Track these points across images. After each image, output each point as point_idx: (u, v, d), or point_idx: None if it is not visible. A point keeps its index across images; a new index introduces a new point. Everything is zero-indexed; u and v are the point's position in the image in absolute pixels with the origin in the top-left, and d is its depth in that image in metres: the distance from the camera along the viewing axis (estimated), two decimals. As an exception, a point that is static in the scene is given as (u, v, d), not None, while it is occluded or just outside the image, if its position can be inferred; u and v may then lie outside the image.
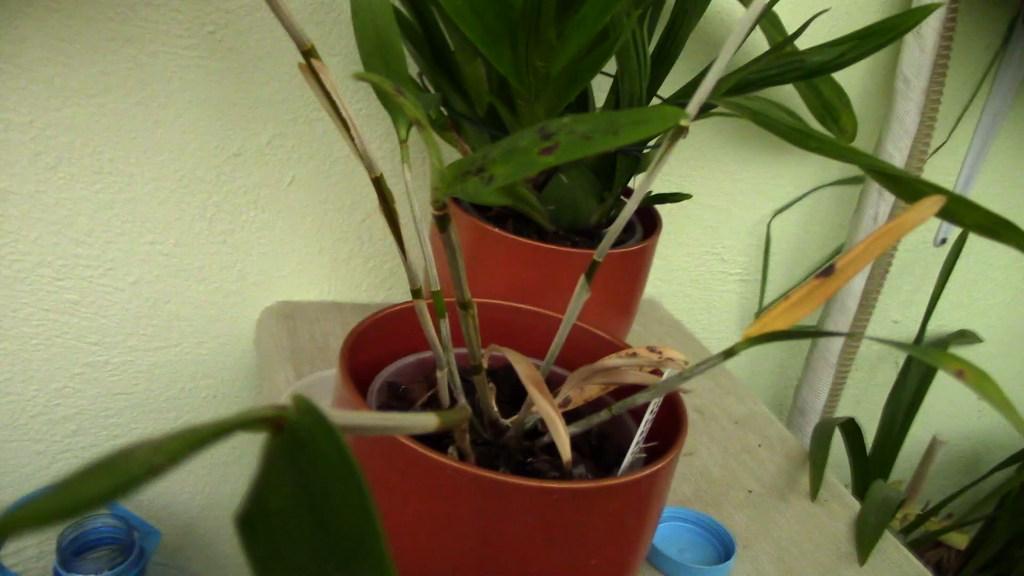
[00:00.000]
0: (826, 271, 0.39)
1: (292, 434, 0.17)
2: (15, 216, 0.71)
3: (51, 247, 0.73)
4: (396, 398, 0.49)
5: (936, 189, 0.48)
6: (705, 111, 0.66)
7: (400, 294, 0.88)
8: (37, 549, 0.84)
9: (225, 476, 0.90)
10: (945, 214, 0.48)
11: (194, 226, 0.77)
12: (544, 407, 0.34)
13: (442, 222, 0.27)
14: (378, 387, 0.48)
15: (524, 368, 0.38)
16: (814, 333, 0.38)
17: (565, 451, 0.34)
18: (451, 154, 0.79)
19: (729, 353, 0.40)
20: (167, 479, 0.88)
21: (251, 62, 0.73)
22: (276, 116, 0.76)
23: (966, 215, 0.47)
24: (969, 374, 0.34)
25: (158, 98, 0.71)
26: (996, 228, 0.46)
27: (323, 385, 0.71)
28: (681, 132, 0.33)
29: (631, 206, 0.37)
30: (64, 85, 0.68)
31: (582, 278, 0.39)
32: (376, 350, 0.50)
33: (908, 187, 0.50)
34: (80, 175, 0.72)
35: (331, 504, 0.15)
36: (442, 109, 0.66)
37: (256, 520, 0.16)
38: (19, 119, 0.68)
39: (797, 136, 0.54)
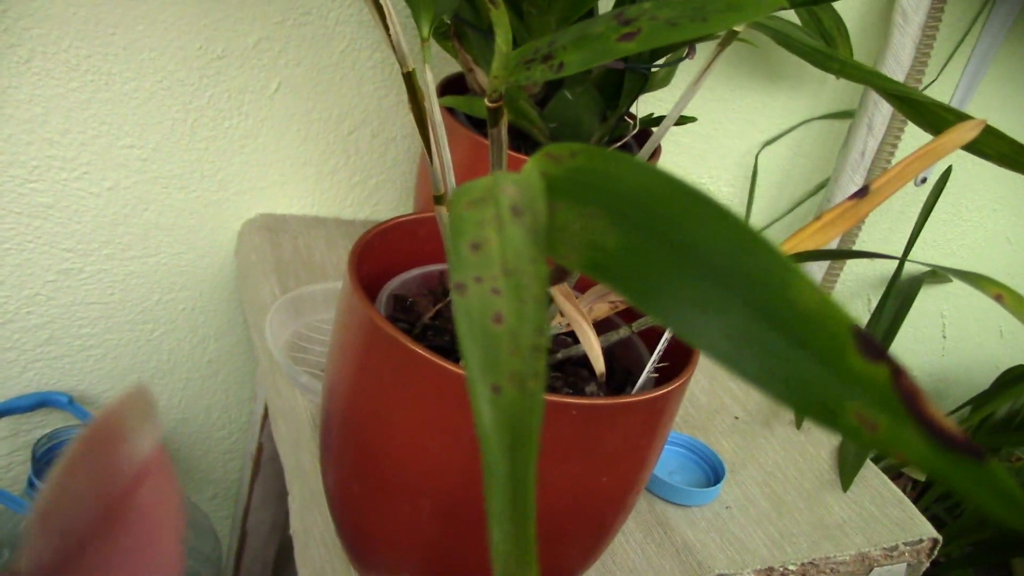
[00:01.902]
0: (860, 192, 0.38)
1: None
2: (-14, 112, 0.68)
3: (24, 146, 0.70)
4: (402, 311, 0.47)
5: (960, 116, 0.47)
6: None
7: (386, 211, 0.86)
8: (9, 459, 0.83)
9: (201, 390, 0.89)
10: (969, 143, 0.47)
11: (175, 131, 0.74)
12: (575, 317, 0.33)
13: (495, 115, 0.26)
14: (384, 299, 0.47)
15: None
16: (848, 254, 0.37)
17: (599, 363, 0.33)
18: (450, 64, 0.76)
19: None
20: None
21: (239, -42, 0.69)
22: (264, 16, 0.72)
23: (990, 144, 0.46)
24: (1007, 298, 0.33)
25: (140, -8, 0.68)
26: (1020, 159, 0.46)
27: (310, 299, 0.69)
28: (733, 36, 0.31)
29: (670, 119, 0.35)
30: (39, -27, 0.64)
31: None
32: (381, 262, 0.49)
33: (930, 114, 0.50)
34: (55, 70, 0.68)
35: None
36: (444, 18, 0.64)
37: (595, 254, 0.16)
38: (-9, 7, 0.64)
39: (819, 57, 0.52)
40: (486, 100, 0.25)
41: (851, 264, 1.21)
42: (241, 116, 0.76)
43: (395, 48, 0.31)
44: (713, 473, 0.64)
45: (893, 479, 1.21)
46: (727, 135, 1.00)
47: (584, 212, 0.16)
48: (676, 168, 1.00)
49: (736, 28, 0.30)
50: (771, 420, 0.73)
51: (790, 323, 0.15)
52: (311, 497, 0.58)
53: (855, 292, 1.25)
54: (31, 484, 0.73)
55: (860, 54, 1.00)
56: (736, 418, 0.72)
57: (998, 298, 0.33)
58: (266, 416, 0.82)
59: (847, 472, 0.69)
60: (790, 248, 0.37)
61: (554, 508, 0.42)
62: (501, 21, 0.23)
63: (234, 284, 0.84)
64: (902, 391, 0.14)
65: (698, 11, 0.21)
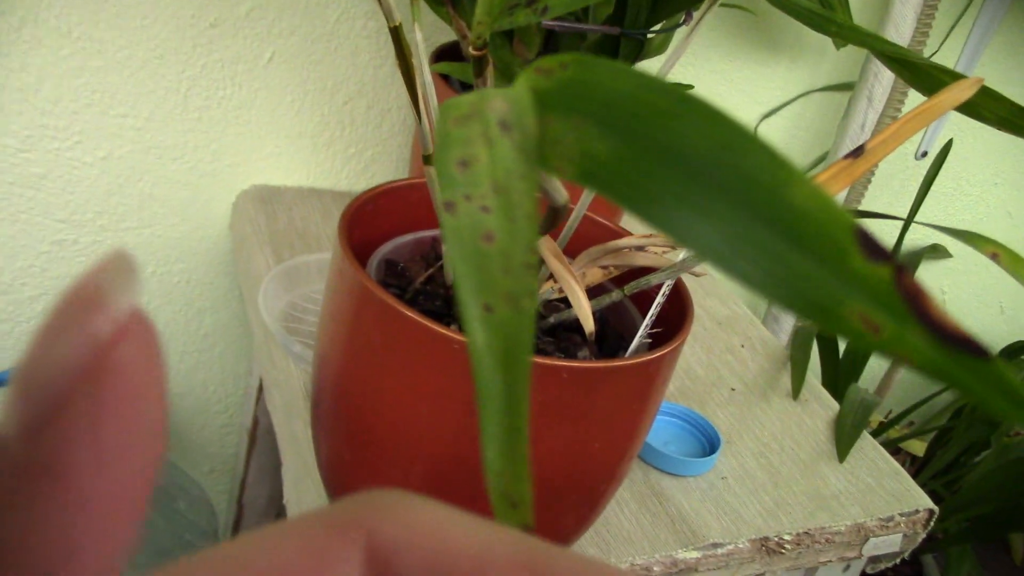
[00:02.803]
0: (855, 151, 0.38)
1: None
2: (-24, 81, 0.67)
3: (15, 115, 0.69)
4: (394, 276, 0.47)
5: (956, 76, 0.46)
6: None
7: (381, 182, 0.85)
8: (2, 431, 0.82)
9: (197, 364, 0.88)
10: (966, 106, 0.46)
11: (168, 100, 0.74)
12: (565, 277, 0.33)
13: (480, 64, 0.25)
14: (375, 264, 0.47)
15: (547, 243, 0.36)
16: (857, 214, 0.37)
17: (588, 321, 0.33)
18: (444, 30, 0.75)
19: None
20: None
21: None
22: (257, -15, 0.72)
23: (988, 107, 0.46)
24: (1004, 256, 0.33)
25: None
26: (1020, 122, 0.45)
27: (305, 270, 0.69)
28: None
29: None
30: (28, -62, 0.64)
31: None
32: (372, 228, 0.48)
33: (926, 76, 0.49)
34: (46, 38, 0.67)
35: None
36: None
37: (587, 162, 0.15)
38: (-21, -27, 0.64)
39: (816, 20, 0.52)
40: (470, 48, 0.24)
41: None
42: (235, 86, 0.75)
43: (381, 2, 0.30)
44: (709, 444, 0.64)
45: (892, 454, 1.21)
46: (726, 107, 0.99)
47: (576, 123, 0.16)
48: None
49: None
50: (768, 392, 0.72)
51: (788, 224, 0.14)
52: (304, 467, 0.58)
53: (855, 267, 1.25)
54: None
55: (860, 22, 0.99)
56: (733, 390, 0.72)
57: (994, 257, 0.32)
58: (261, 389, 0.82)
59: (844, 443, 0.68)
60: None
61: (546, 473, 0.42)
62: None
63: (229, 256, 0.83)
64: (905, 291, 0.14)
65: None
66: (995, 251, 0.31)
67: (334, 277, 0.44)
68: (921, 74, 0.49)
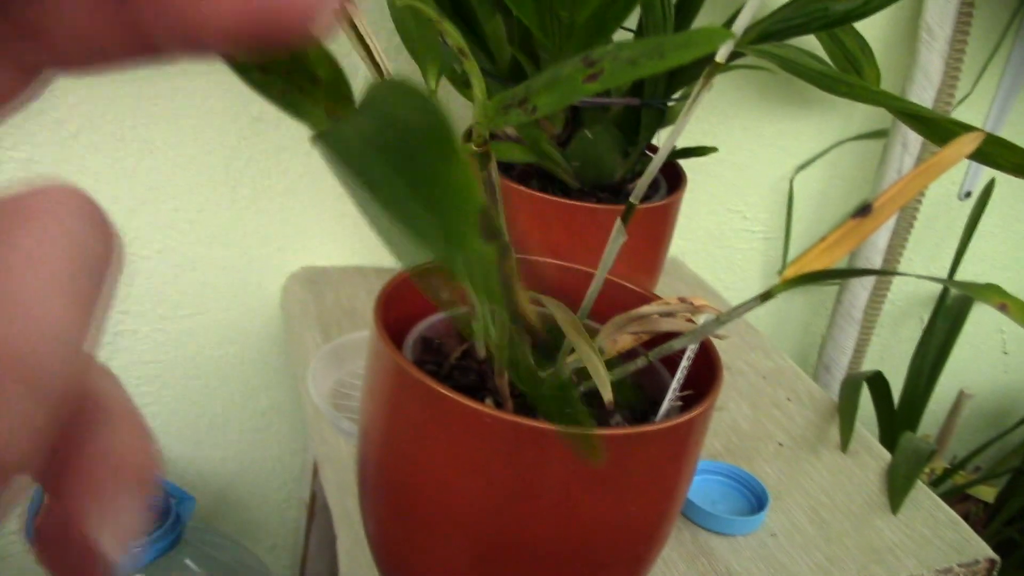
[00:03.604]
0: (862, 211, 0.39)
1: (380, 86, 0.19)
2: (40, 186, 0.71)
3: (77, 216, 0.74)
4: (430, 352, 0.49)
5: (969, 129, 0.47)
6: (730, 61, 0.65)
7: (423, 257, 0.88)
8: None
9: (255, 441, 0.91)
10: (981, 155, 0.47)
11: (217, 192, 0.77)
12: (585, 350, 0.34)
13: (483, 159, 0.27)
14: (412, 342, 0.48)
15: (563, 314, 0.38)
16: (852, 272, 0.38)
17: (607, 391, 0.34)
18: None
19: (766, 296, 0.39)
20: (200, 447, 0.88)
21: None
22: (296, 80, 0.75)
23: (1002, 156, 0.46)
24: (1011, 307, 0.33)
25: (177, 64, 0.71)
26: (1034, 167, 0.46)
27: (352, 347, 0.71)
28: (716, 69, 0.32)
29: (664, 151, 0.37)
30: (84, 53, 0.68)
31: (618, 221, 0.38)
32: (409, 306, 0.50)
33: (940, 129, 0.50)
34: (102, 143, 0.72)
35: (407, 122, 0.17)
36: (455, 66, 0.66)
37: (331, 134, 0.17)
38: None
39: (826, 81, 0.53)
40: (472, 146, 0.26)
41: (900, 283, 1.19)
42: (280, 174, 0.79)
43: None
44: (757, 501, 0.64)
45: (959, 501, 1.18)
46: (759, 162, 1.00)
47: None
48: (710, 198, 1.00)
49: (718, 60, 0.31)
50: (816, 445, 0.72)
51: (434, 196, 0.16)
52: (357, 542, 0.59)
53: (906, 311, 1.23)
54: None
55: (888, 73, 0.99)
56: (780, 445, 0.71)
57: (1002, 308, 0.33)
58: (317, 464, 0.84)
59: (897, 494, 0.67)
60: (796, 269, 0.38)
61: (585, 540, 0.43)
62: (474, 72, 0.25)
63: (282, 336, 0.86)
64: (503, 272, 0.15)
65: (655, 49, 0.23)
66: (1003, 302, 0.32)
67: (372, 357, 0.46)
68: (936, 127, 0.50)
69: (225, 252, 0.80)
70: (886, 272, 0.30)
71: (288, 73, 0.21)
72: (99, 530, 0.13)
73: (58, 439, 0.12)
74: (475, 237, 0.15)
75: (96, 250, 0.12)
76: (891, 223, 1.05)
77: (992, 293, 0.32)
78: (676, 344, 0.41)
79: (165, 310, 0.80)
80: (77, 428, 0.13)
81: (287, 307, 0.81)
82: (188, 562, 0.79)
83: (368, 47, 0.31)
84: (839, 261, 0.39)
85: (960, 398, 1.28)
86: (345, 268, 0.86)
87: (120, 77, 0.70)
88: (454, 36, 0.25)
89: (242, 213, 0.79)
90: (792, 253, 1.07)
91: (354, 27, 0.31)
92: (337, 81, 0.21)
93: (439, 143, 0.17)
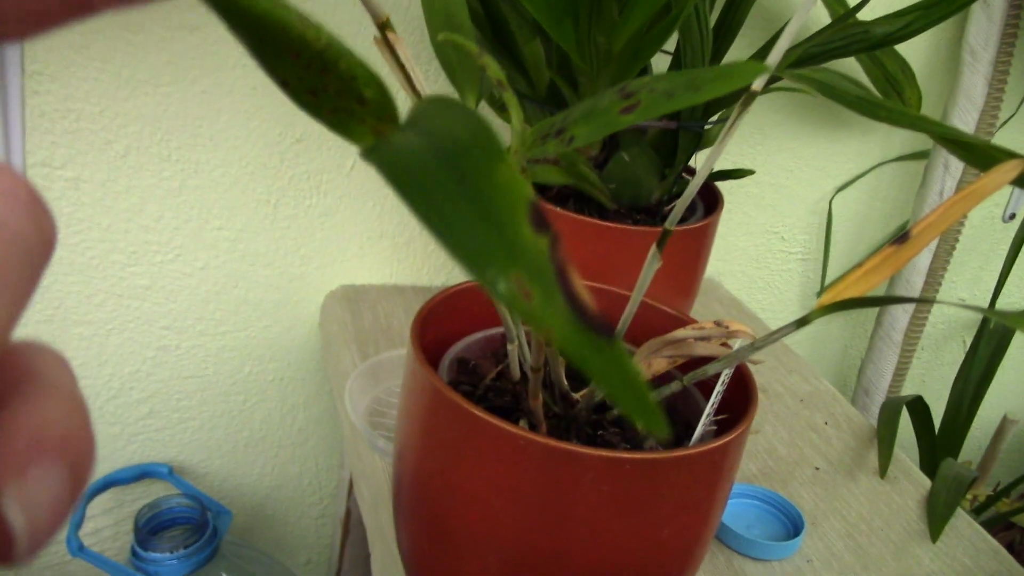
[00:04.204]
0: (900, 238, 0.38)
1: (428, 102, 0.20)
2: (87, 204, 0.73)
3: (122, 234, 0.75)
4: (466, 373, 0.49)
5: (1011, 155, 0.46)
6: (768, 85, 0.65)
7: (459, 277, 0.89)
8: (114, 529, 0.87)
9: (292, 457, 0.92)
10: (1022, 181, 0.47)
11: (259, 211, 0.79)
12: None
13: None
14: (448, 363, 0.49)
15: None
16: (890, 300, 0.38)
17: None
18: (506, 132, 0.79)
19: (803, 322, 0.39)
20: (237, 461, 0.90)
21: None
22: (337, 101, 0.77)
23: (1045, 181, 0.46)
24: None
25: (222, 86, 0.73)
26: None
27: (389, 365, 0.72)
28: (753, 98, 0.32)
29: (701, 175, 0.37)
30: (132, 76, 0.70)
31: (653, 247, 0.39)
32: (445, 327, 0.51)
33: (982, 154, 0.49)
34: (149, 163, 0.74)
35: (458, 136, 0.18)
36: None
37: (382, 147, 0.18)
38: (90, 109, 0.70)
39: (865, 106, 0.53)
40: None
41: (941, 306, 1.17)
42: (320, 194, 0.80)
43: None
44: (792, 526, 0.63)
45: (1002, 529, 1.15)
46: (798, 183, 0.99)
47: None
48: (748, 219, 1.00)
49: (754, 88, 0.32)
50: (854, 470, 0.71)
51: (484, 196, 0.16)
52: (391, 558, 0.59)
53: (948, 334, 1.22)
54: (135, 553, 0.77)
55: (930, 95, 0.99)
56: (817, 469, 0.71)
57: (1043, 338, 0.32)
58: (353, 481, 0.84)
59: (936, 521, 0.66)
60: (832, 296, 0.38)
61: (618, 563, 0.43)
62: (512, 103, 0.25)
63: (320, 354, 0.87)
64: (556, 262, 0.15)
65: (691, 82, 0.23)
66: (1044, 332, 0.32)
67: (408, 377, 0.46)
68: (976, 152, 0.50)
69: (266, 270, 0.82)
70: (921, 300, 0.30)
71: (338, 94, 0.21)
72: (7, 500, 0.12)
73: None
74: (525, 228, 0.16)
75: (24, 233, 0.12)
76: (932, 245, 1.03)
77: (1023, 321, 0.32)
78: (710, 369, 0.41)
79: (206, 326, 0.82)
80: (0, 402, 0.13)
81: (325, 325, 0.82)
82: (224, 575, 0.80)
83: (408, 74, 0.32)
84: (876, 288, 0.39)
85: (1004, 423, 1.26)
86: (383, 286, 0.86)
87: (166, 99, 0.72)
88: (494, 69, 0.25)
89: (283, 232, 0.81)
90: (831, 275, 1.06)
91: (395, 54, 0.32)
92: (383, 101, 0.22)
93: (485, 147, 0.17)
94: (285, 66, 0.20)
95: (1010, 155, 0.47)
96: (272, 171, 0.78)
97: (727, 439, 0.42)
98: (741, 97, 0.36)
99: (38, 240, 0.12)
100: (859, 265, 0.38)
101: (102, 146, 0.72)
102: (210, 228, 0.78)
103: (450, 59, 0.37)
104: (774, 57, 0.40)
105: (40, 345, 0.14)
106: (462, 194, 0.16)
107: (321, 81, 0.21)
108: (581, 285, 0.15)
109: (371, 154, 0.19)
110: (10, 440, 0.12)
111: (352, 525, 0.88)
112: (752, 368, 0.84)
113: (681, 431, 0.48)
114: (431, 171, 0.17)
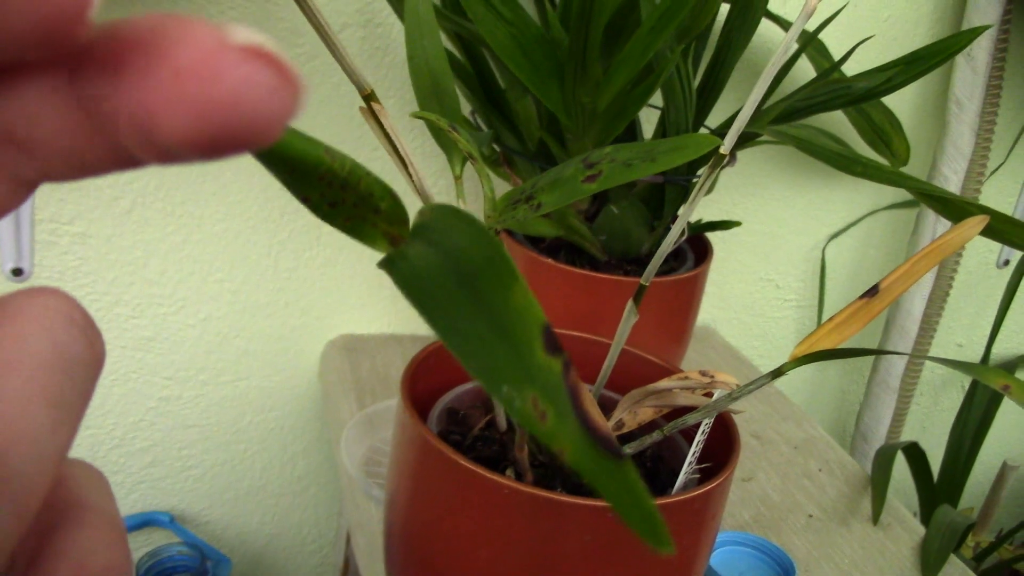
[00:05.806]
0: (870, 291, 0.40)
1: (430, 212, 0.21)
2: (93, 258, 0.75)
3: (127, 287, 0.77)
4: (455, 423, 0.50)
5: (982, 210, 0.48)
6: (752, 139, 0.67)
7: (458, 326, 0.90)
8: (115, 578, 0.88)
9: (292, 506, 0.93)
10: (993, 233, 0.48)
11: (260, 264, 0.81)
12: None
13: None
14: (438, 413, 0.50)
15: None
16: (861, 351, 0.39)
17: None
18: (504, 188, 0.81)
19: (777, 373, 0.41)
20: (238, 510, 0.90)
21: (311, 107, 0.76)
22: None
23: (1014, 233, 0.47)
24: (1014, 388, 0.34)
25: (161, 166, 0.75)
26: (1046, 246, 0.47)
27: (386, 414, 0.73)
28: (722, 160, 0.34)
29: (673, 233, 0.38)
30: (139, 134, 0.72)
31: (630, 302, 0.40)
32: (436, 378, 0.52)
33: (957, 209, 0.51)
34: (153, 218, 0.76)
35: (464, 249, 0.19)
36: (495, 145, 0.69)
37: (398, 261, 0.20)
38: (98, 167, 0.72)
39: (842, 162, 0.55)
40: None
41: (939, 351, 1.18)
42: (320, 246, 0.82)
43: (419, 191, 0.35)
44: (784, 573, 0.64)
45: (1006, 576, 1.14)
46: (792, 231, 1.01)
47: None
48: (742, 267, 1.01)
49: (721, 151, 0.33)
50: (848, 517, 0.72)
51: (501, 318, 0.17)
52: (386, 607, 0.60)
53: (947, 380, 1.22)
54: (135, 602, 0.78)
55: (919, 145, 1.01)
56: (810, 516, 0.71)
57: (1005, 389, 0.33)
58: (350, 531, 0.85)
59: (930, 568, 0.67)
60: (805, 348, 0.39)
61: (603, 611, 0.44)
62: (483, 173, 0.27)
63: (320, 403, 0.89)
64: (569, 384, 0.16)
65: (648, 153, 0.25)
66: (1006, 383, 0.33)
67: (398, 428, 0.47)
68: (951, 207, 0.51)
69: (267, 321, 0.83)
70: (891, 352, 0.31)
71: (355, 206, 0.23)
72: None
73: (27, 536, 0.13)
74: (540, 351, 0.17)
75: (80, 354, 0.13)
76: (926, 291, 1.04)
77: (995, 375, 0.33)
78: (690, 419, 0.43)
79: (208, 376, 0.83)
80: (48, 526, 0.14)
81: (325, 375, 0.84)
82: (224, 625, 0.80)
83: (393, 142, 0.34)
84: (848, 340, 0.40)
85: (1004, 469, 1.26)
86: (382, 336, 0.88)
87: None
88: (463, 143, 0.27)
89: (284, 284, 0.82)
90: (827, 321, 1.07)
91: (379, 123, 0.34)
92: (395, 210, 0.24)
93: (499, 269, 0.18)
94: (311, 189, 0.22)
95: (982, 209, 0.49)
96: (273, 224, 0.80)
97: (709, 487, 0.43)
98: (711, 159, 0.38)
99: (92, 360, 0.13)
100: (831, 318, 0.39)
101: (108, 202, 0.74)
102: (212, 280, 0.80)
103: (435, 127, 0.39)
104: (745, 115, 0.41)
105: (83, 464, 0.15)
106: (478, 313, 0.18)
107: (341, 196, 0.23)
108: (593, 406, 0.17)
109: (389, 267, 0.20)
110: (55, 572, 0.13)
111: (350, 574, 0.88)
112: (745, 415, 0.85)
113: (667, 480, 0.49)
114: (448, 290, 0.18)
